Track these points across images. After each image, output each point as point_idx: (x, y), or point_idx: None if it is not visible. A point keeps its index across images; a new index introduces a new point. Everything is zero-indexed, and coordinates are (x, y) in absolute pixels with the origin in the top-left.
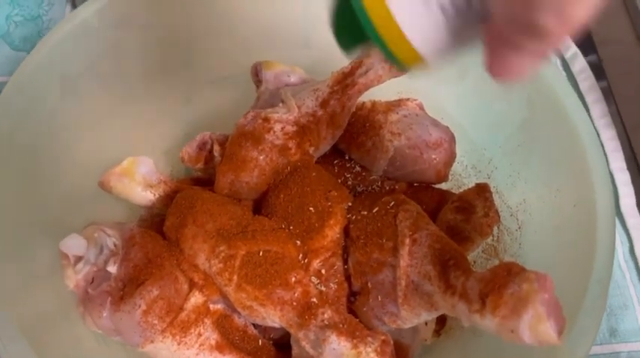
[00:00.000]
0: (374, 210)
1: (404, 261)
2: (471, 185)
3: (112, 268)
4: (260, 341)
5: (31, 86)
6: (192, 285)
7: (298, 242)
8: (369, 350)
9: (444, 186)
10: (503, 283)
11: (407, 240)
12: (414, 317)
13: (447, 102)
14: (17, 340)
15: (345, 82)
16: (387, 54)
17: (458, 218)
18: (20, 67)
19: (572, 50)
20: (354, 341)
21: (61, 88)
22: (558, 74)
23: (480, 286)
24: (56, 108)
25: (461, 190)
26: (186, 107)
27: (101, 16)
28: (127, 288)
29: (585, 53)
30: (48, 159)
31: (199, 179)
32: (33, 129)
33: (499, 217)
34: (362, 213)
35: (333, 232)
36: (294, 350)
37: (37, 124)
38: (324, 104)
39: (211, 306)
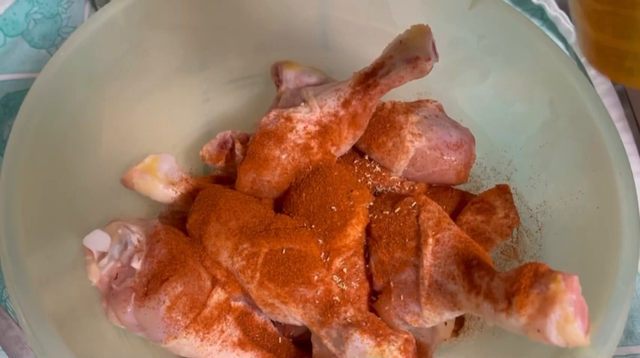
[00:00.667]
0: (396, 210)
1: (427, 260)
2: (490, 187)
3: (136, 264)
4: (280, 339)
5: (58, 83)
6: (214, 282)
7: (320, 240)
8: (392, 348)
9: (462, 187)
10: (529, 283)
11: (430, 240)
12: (436, 317)
13: (466, 103)
14: (47, 328)
15: (367, 82)
16: None
17: (478, 219)
18: (48, 63)
19: None
20: (378, 339)
21: (86, 86)
22: (580, 75)
23: (506, 286)
24: (81, 105)
25: (480, 192)
26: (206, 106)
27: (127, 15)
28: (151, 284)
29: None
30: (72, 156)
31: (220, 177)
32: (58, 126)
33: (519, 218)
34: (384, 212)
35: (355, 231)
36: (315, 349)
37: (63, 121)
38: (345, 104)
39: (233, 303)
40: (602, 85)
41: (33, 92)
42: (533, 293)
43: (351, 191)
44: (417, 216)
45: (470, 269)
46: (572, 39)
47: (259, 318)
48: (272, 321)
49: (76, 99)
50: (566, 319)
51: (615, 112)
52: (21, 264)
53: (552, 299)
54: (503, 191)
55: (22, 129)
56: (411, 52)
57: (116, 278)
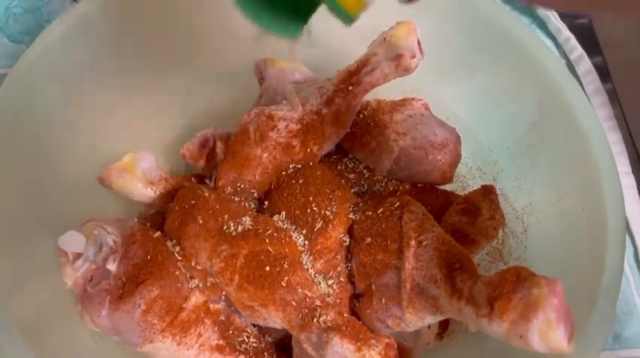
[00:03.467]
0: (378, 211)
1: (409, 263)
2: (476, 187)
3: (112, 266)
4: (260, 343)
5: (31, 80)
6: (192, 285)
7: (301, 242)
8: (372, 352)
9: (448, 187)
10: (512, 287)
11: (412, 242)
12: (418, 321)
13: (453, 102)
14: (13, 337)
15: (351, 80)
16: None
17: (463, 220)
18: (20, 60)
19: (577, 52)
20: (358, 343)
21: (61, 83)
22: (568, 76)
23: (488, 290)
24: (56, 102)
25: (466, 192)
26: (187, 103)
27: (102, 11)
28: (126, 287)
29: (591, 55)
30: (47, 154)
31: (200, 176)
32: (32, 124)
33: (504, 220)
34: (366, 213)
35: (337, 233)
36: (295, 352)
37: (36, 119)
38: (328, 102)
39: (212, 306)
40: (591, 84)
41: (4, 88)
42: (515, 299)
43: (334, 191)
44: (400, 218)
45: (452, 273)
46: (562, 37)
47: (239, 321)
48: (252, 324)
49: (50, 96)
50: (549, 325)
51: (604, 112)
52: None
53: (535, 305)
54: (488, 192)
55: None
56: (395, 49)
57: (91, 280)
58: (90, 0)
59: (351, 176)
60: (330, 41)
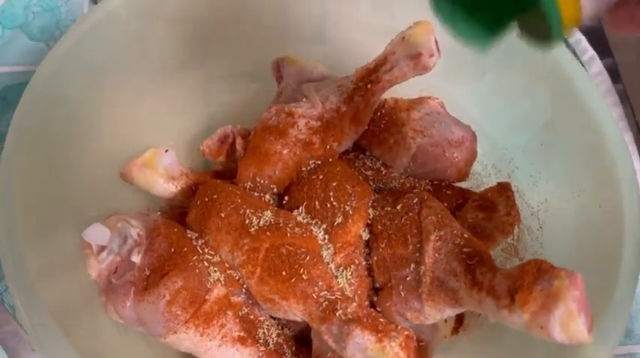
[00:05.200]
0: (397, 207)
1: (429, 257)
2: (491, 184)
3: (136, 258)
4: (280, 335)
5: (57, 77)
6: (214, 278)
7: (321, 236)
8: (393, 344)
9: (463, 184)
10: (532, 279)
11: (432, 237)
12: (437, 313)
13: (467, 101)
14: (47, 322)
15: (370, 78)
16: (550, 13)
17: (479, 216)
18: (47, 56)
19: (588, 53)
20: (379, 335)
21: (85, 79)
22: (583, 74)
23: (509, 282)
24: (81, 98)
25: (480, 189)
26: (207, 100)
27: (127, 8)
28: (150, 279)
29: (601, 57)
30: (72, 149)
31: (220, 172)
32: (58, 120)
33: (520, 216)
34: (385, 209)
35: (356, 227)
36: (315, 344)
37: (62, 115)
38: (347, 100)
39: (233, 299)
40: (602, 84)
41: (32, 86)
42: (536, 290)
43: (353, 187)
44: (419, 213)
45: (472, 266)
46: (573, 38)
47: (259, 314)
48: (272, 317)
49: (75, 93)
50: (570, 316)
51: (615, 112)
52: (20, 258)
53: (556, 296)
54: (504, 189)
55: (21, 122)
56: (414, 48)
57: (115, 272)
58: None
59: (369, 173)
60: (344, 39)
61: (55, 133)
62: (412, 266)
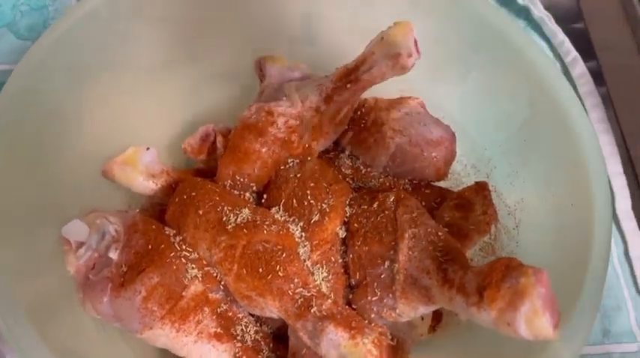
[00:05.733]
0: (374, 205)
1: (403, 255)
2: (470, 183)
3: (114, 254)
4: (258, 332)
5: (38, 73)
6: (192, 274)
7: (298, 234)
8: (366, 341)
9: (442, 184)
10: (500, 277)
11: (406, 235)
12: (411, 311)
13: (448, 101)
14: (22, 322)
15: (349, 78)
16: None
17: (456, 215)
18: (28, 53)
19: (572, 55)
20: (352, 332)
21: (67, 76)
22: (560, 76)
23: (478, 280)
24: (62, 96)
25: (459, 188)
26: (189, 99)
27: (110, 6)
28: (127, 275)
29: (585, 59)
30: (52, 146)
31: (201, 170)
32: (38, 117)
33: (497, 215)
34: (362, 207)
35: (333, 225)
36: (291, 341)
37: (43, 111)
38: (327, 99)
39: (210, 296)
40: (585, 86)
41: (12, 81)
42: (504, 287)
43: (331, 185)
44: (395, 211)
45: (444, 264)
46: (557, 40)
47: (237, 311)
48: (250, 314)
49: (56, 90)
50: (535, 312)
51: (597, 113)
52: None
53: (522, 293)
54: (481, 188)
55: None
56: (392, 48)
57: (93, 268)
58: None
59: (348, 172)
60: (328, 40)
61: (35, 130)
62: (387, 263)
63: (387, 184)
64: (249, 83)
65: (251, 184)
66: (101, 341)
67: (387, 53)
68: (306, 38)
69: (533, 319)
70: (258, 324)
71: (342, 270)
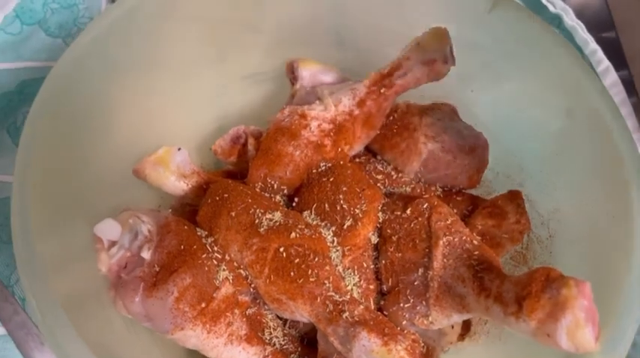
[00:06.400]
0: (407, 211)
1: (437, 262)
2: (502, 192)
3: (146, 254)
4: (286, 336)
5: (74, 72)
6: (223, 276)
7: (330, 238)
8: (399, 348)
9: (473, 192)
10: (541, 287)
11: (441, 242)
12: (444, 319)
13: (481, 108)
14: (58, 315)
15: (383, 82)
16: None
17: (489, 223)
18: (66, 52)
19: (604, 64)
20: (385, 338)
21: (102, 75)
22: (598, 83)
23: (516, 289)
24: (97, 94)
25: (491, 197)
26: (220, 100)
27: (145, 6)
28: (160, 275)
29: (616, 68)
30: (86, 144)
31: (230, 172)
32: (73, 115)
33: (530, 224)
34: (395, 213)
35: (366, 230)
36: (320, 346)
37: (78, 110)
38: (360, 104)
39: (240, 298)
40: (616, 95)
41: (50, 80)
42: (544, 298)
43: (364, 190)
44: (429, 218)
45: (480, 272)
46: (589, 49)
47: (266, 314)
48: (278, 317)
49: (91, 89)
50: (577, 324)
51: (629, 123)
52: (33, 249)
53: (563, 304)
54: (515, 196)
55: (37, 116)
56: (428, 54)
57: (125, 267)
58: None
59: (379, 177)
60: (360, 44)
61: (70, 128)
62: (420, 270)
63: (418, 190)
64: (278, 85)
65: (282, 187)
66: (130, 339)
67: (422, 59)
68: (334, 41)
69: (575, 331)
70: (286, 328)
71: (374, 276)
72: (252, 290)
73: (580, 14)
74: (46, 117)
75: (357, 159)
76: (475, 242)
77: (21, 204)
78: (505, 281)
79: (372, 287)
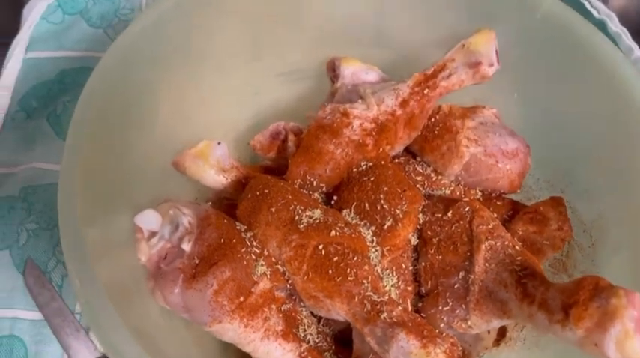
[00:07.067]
0: (448, 214)
1: (479, 266)
2: (542, 198)
3: (186, 246)
4: (320, 333)
5: (122, 64)
6: (261, 271)
7: (370, 238)
8: (438, 350)
9: (514, 197)
10: (589, 295)
11: (483, 246)
12: (483, 323)
13: (522, 112)
14: (103, 301)
15: (427, 84)
16: None
17: (530, 229)
18: (114, 43)
19: None
20: (424, 340)
21: (147, 68)
22: None
23: (563, 297)
24: (142, 86)
25: (531, 203)
26: (257, 96)
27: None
28: (199, 267)
29: None
30: (130, 135)
31: (268, 167)
32: (120, 106)
33: (572, 232)
34: (436, 215)
35: (406, 232)
36: (356, 345)
37: (124, 101)
38: (403, 104)
39: (276, 293)
40: None
41: (97, 71)
42: (592, 307)
43: (405, 191)
44: (470, 221)
45: (523, 278)
46: (633, 56)
47: (300, 311)
48: (312, 314)
49: (136, 81)
50: (626, 334)
51: None
52: (80, 235)
53: (613, 314)
54: (557, 203)
55: (85, 107)
56: (473, 56)
57: (165, 258)
58: None
59: (419, 178)
60: (401, 44)
61: (116, 119)
62: (461, 274)
63: (458, 193)
64: (315, 83)
65: (321, 185)
66: (166, 328)
67: (467, 61)
68: (374, 40)
69: (624, 341)
70: (320, 325)
71: (412, 278)
72: (288, 286)
73: (624, 20)
74: (93, 107)
75: (397, 160)
76: (517, 247)
77: (70, 189)
78: (550, 289)
79: (409, 288)
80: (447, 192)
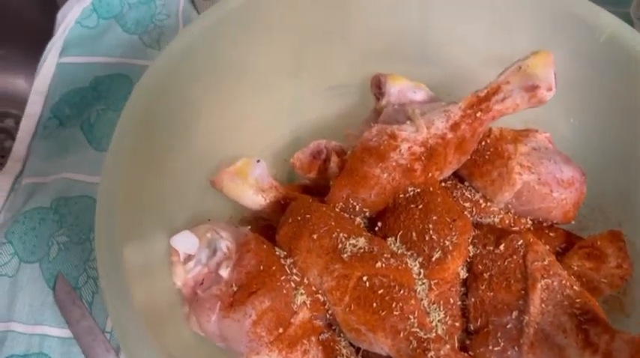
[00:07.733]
0: (500, 247)
1: (534, 306)
2: (596, 229)
3: (224, 272)
4: None
5: (165, 78)
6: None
7: (417, 270)
8: None
9: (565, 226)
10: None
11: (538, 285)
12: None
13: (575, 138)
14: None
15: (480, 106)
16: None
17: (586, 265)
18: (158, 57)
19: None
20: None
21: (188, 84)
22: None
23: (632, 350)
24: (182, 102)
25: (584, 233)
26: (296, 112)
27: (234, 16)
28: (237, 295)
29: None
30: (167, 151)
31: (308, 187)
32: (159, 122)
33: (632, 270)
34: (487, 248)
35: (455, 265)
36: None
37: (164, 117)
38: (454, 127)
39: (315, 322)
40: None
41: (139, 87)
42: None
43: (454, 220)
44: (524, 257)
45: (584, 324)
46: None
47: (339, 341)
48: (351, 345)
49: (177, 97)
50: None
51: None
52: (117, 255)
53: None
54: (616, 238)
55: (126, 122)
56: (530, 79)
57: (202, 283)
58: (223, 4)
59: (467, 204)
60: (449, 62)
61: (155, 135)
62: (514, 313)
63: (507, 221)
64: (355, 99)
65: (364, 209)
66: (200, 355)
67: (523, 85)
68: (420, 57)
69: None
70: (359, 356)
71: (460, 313)
72: (328, 316)
73: None
74: (134, 123)
75: (443, 184)
76: (576, 287)
77: (109, 207)
78: (616, 338)
79: (457, 324)
80: (496, 220)
